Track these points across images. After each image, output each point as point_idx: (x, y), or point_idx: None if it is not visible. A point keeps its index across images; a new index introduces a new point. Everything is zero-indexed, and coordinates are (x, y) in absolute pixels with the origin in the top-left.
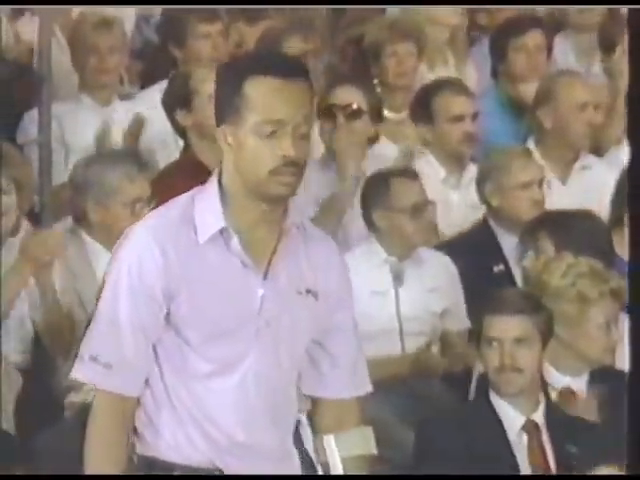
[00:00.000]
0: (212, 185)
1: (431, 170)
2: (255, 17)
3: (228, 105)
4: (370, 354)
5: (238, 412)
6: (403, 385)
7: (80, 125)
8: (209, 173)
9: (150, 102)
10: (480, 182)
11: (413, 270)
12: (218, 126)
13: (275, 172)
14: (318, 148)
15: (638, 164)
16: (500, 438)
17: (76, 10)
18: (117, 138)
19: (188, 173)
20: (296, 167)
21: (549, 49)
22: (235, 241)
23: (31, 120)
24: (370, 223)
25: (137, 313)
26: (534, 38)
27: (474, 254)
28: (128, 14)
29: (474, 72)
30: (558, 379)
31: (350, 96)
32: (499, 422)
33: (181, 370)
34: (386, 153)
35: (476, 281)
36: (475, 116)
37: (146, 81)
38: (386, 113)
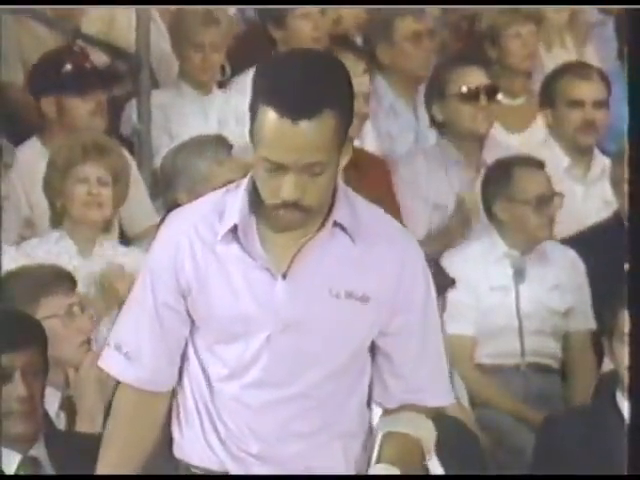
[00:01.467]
0: (247, 179)
1: (554, 158)
2: None
3: (250, 118)
4: (490, 357)
5: (248, 421)
6: (522, 386)
7: (184, 114)
8: None
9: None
10: (614, 175)
11: (536, 265)
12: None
13: (276, 208)
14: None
15: (638, 164)
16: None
17: None
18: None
19: None
20: (297, 208)
21: None
22: (250, 239)
23: (133, 109)
24: (490, 214)
25: (154, 304)
26: None
27: (603, 251)
28: None
29: (595, 55)
30: None
31: (477, 77)
32: (624, 425)
33: (204, 370)
34: (501, 141)
35: (604, 279)
36: (599, 104)
37: (245, 64)
38: (501, 98)
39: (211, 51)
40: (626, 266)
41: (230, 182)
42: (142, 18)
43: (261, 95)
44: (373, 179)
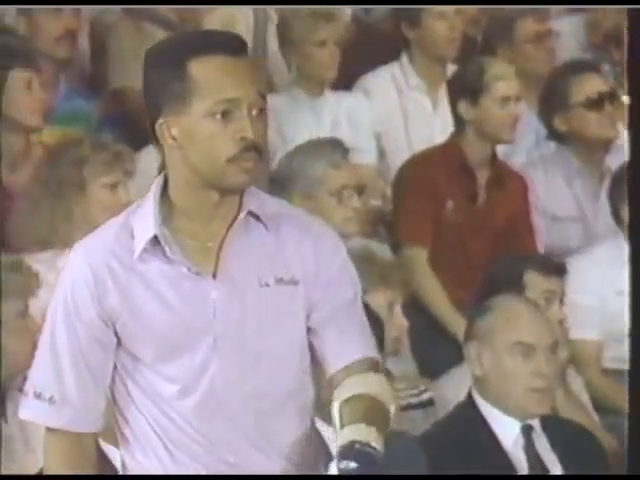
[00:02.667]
0: (153, 189)
1: None
2: None
3: (167, 94)
4: (615, 362)
5: (217, 432)
6: None
7: (296, 118)
8: (466, 166)
9: (377, 85)
10: None
11: None
12: (154, 120)
13: (234, 159)
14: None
15: (638, 164)
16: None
17: None
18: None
19: (449, 162)
20: (256, 151)
21: None
22: (172, 248)
23: None
24: (618, 220)
25: (76, 342)
26: None
27: None
28: None
29: None
30: None
31: (596, 84)
32: None
33: (149, 393)
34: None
35: None
36: None
37: (358, 65)
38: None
39: (323, 50)
40: None
41: (345, 186)
42: (259, 20)
43: (190, 51)
44: (513, 194)
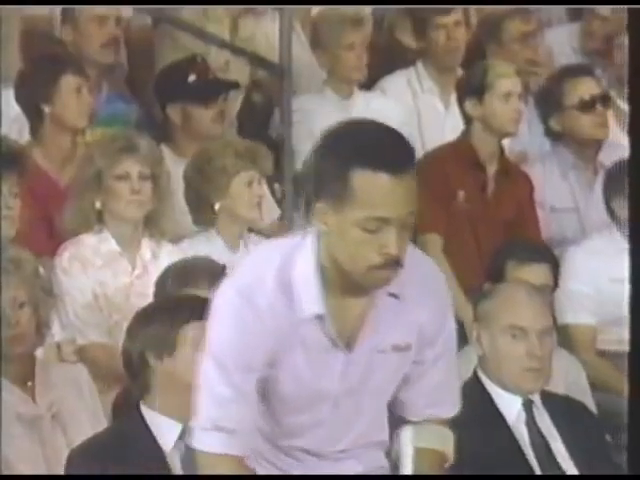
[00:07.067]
0: (310, 254)
1: None
2: None
3: (328, 184)
4: (611, 344)
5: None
6: None
7: (326, 119)
8: (476, 160)
9: (394, 87)
10: None
11: None
12: (316, 200)
13: (375, 267)
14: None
15: (638, 163)
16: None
17: (315, 8)
18: None
19: (460, 157)
20: (397, 263)
21: None
22: (329, 324)
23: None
24: (611, 212)
25: (250, 374)
26: None
27: None
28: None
29: None
30: None
31: (590, 87)
32: None
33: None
34: (618, 143)
35: None
36: None
37: (387, 69)
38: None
39: (360, 50)
40: None
41: None
42: (284, 26)
43: (356, 159)
44: (519, 187)
